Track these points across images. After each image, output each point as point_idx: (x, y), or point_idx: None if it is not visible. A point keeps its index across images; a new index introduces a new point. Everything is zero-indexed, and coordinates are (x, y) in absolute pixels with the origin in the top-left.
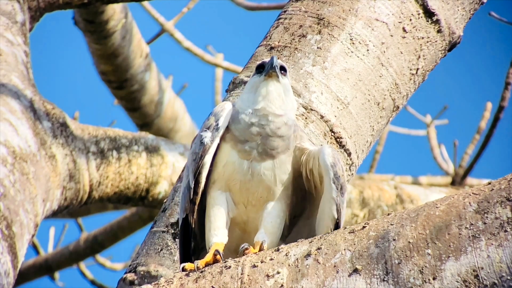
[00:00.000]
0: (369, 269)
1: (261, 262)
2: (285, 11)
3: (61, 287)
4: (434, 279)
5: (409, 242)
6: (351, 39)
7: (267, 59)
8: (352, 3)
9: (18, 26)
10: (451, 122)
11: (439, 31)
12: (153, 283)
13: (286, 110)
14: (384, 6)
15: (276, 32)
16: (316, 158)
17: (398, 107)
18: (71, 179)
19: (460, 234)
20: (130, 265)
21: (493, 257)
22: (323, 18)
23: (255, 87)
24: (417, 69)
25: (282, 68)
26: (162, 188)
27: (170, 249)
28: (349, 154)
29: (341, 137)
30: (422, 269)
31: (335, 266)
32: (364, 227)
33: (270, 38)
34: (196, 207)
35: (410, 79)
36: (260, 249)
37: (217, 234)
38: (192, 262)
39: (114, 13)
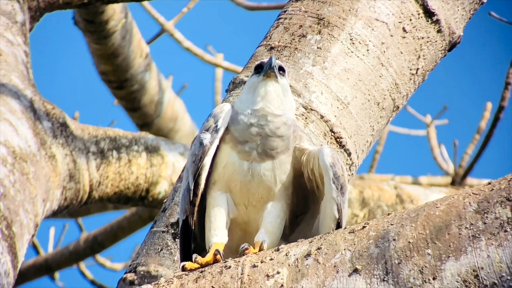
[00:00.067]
0: (369, 269)
1: (261, 262)
2: (285, 11)
3: (61, 287)
4: (434, 279)
5: (409, 242)
6: (351, 39)
7: (265, 60)
8: (352, 3)
9: (18, 26)
10: (451, 122)
11: (439, 31)
12: (153, 283)
13: (285, 110)
14: (384, 6)
15: (276, 32)
16: (316, 158)
17: (398, 107)
18: (71, 179)
19: (460, 234)
20: (130, 265)
21: (493, 257)
22: (323, 18)
23: (253, 87)
24: (417, 69)
25: (281, 69)
26: (162, 188)
27: (170, 249)
28: (349, 154)
29: (341, 137)
30: (422, 269)
31: (335, 266)
32: (364, 227)
33: (270, 38)
34: (196, 209)
35: (410, 79)
36: (260, 249)
37: (217, 234)
38: (192, 261)
39: (114, 13)
